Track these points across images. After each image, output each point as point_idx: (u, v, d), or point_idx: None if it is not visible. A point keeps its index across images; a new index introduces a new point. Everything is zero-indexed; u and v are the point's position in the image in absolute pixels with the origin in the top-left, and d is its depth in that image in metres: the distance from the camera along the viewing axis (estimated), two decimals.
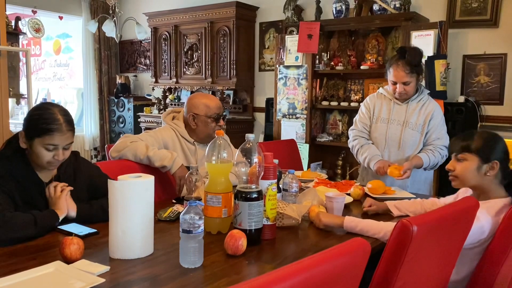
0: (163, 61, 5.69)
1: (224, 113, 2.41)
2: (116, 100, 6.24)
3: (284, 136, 4.40)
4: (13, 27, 4.72)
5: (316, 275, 0.86)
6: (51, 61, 7.71)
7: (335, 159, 4.36)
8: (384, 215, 1.93)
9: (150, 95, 6.18)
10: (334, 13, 4.27)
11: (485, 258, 1.60)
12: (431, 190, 2.68)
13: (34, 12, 5.79)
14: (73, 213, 1.65)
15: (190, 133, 2.37)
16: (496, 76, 3.76)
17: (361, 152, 2.58)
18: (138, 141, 2.22)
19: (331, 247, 0.95)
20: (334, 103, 4.27)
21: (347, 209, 1.99)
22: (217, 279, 1.22)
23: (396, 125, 2.54)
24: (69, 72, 7.43)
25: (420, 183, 2.56)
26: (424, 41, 3.49)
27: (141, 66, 6.41)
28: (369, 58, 4.08)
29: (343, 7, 4.22)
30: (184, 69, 5.53)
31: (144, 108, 5.91)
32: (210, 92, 5.39)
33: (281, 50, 4.41)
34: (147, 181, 1.39)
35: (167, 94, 5.84)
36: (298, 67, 4.32)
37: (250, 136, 1.57)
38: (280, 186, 1.87)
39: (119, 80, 6.23)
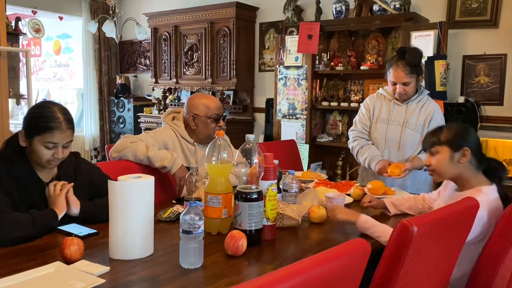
0: (163, 61, 5.69)
1: (224, 114, 2.41)
2: (116, 100, 6.24)
3: (284, 136, 4.40)
4: (13, 27, 4.71)
5: (317, 276, 0.86)
6: (51, 62, 7.70)
7: (335, 160, 4.37)
8: (381, 214, 1.94)
9: (150, 96, 6.18)
10: (334, 13, 4.27)
11: (484, 258, 1.60)
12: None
13: (34, 13, 5.79)
14: (76, 210, 1.65)
15: (190, 134, 2.37)
16: (496, 77, 3.76)
17: (361, 153, 2.58)
18: (138, 141, 2.22)
19: (331, 248, 0.95)
20: (334, 104, 4.27)
21: None
22: (217, 280, 1.22)
23: (396, 126, 2.54)
24: (69, 73, 7.43)
25: (420, 183, 2.56)
26: (424, 42, 3.49)
27: (141, 66, 6.41)
28: (369, 58, 4.08)
29: (343, 7, 4.22)
30: (184, 70, 5.53)
31: (144, 108, 5.91)
32: (210, 92, 5.39)
33: (281, 50, 4.41)
34: (147, 182, 1.39)
35: (167, 94, 5.84)
36: (298, 67, 4.32)
37: (250, 137, 1.57)
38: (280, 186, 1.87)
39: (119, 81, 6.23)
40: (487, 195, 1.64)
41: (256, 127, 5.31)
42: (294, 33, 4.54)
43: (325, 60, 4.29)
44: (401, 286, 1.25)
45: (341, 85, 4.38)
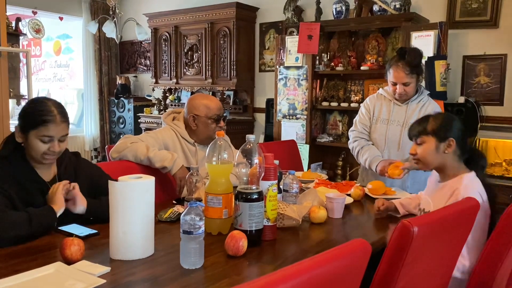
0: (163, 61, 5.69)
1: (224, 114, 2.41)
2: (116, 100, 6.24)
3: (284, 136, 4.40)
4: (14, 28, 4.71)
5: (317, 276, 0.86)
6: (51, 62, 7.71)
7: (335, 160, 4.37)
8: (388, 216, 1.94)
9: (150, 96, 6.18)
10: (334, 13, 4.27)
11: (484, 258, 1.60)
12: None
13: (35, 13, 5.79)
14: (82, 207, 1.65)
15: (190, 134, 2.37)
16: (496, 77, 3.76)
17: (362, 153, 2.57)
18: (139, 142, 2.22)
19: (332, 248, 0.95)
20: (334, 104, 4.27)
21: (348, 210, 2.00)
22: (218, 280, 1.22)
23: (396, 126, 2.54)
24: (69, 73, 7.43)
25: (420, 183, 2.55)
26: (424, 42, 3.49)
27: (141, 66, 6.42)
28: (369, 58, 4.08)
29: (343, 7, 4.22)
30: (184, 70, 5.53)
31: (144, 108, 5.91)
32: (210, 92, 5.39)
33: (281, 50, 4.41)
34: (148, 182, 1.39)
35: (167, 94, 5.84)
36: (298, 67, 4.32)
37: (250, 137, 1.57)
38: (281, 187, 1.87)
39: (119, 81, 6.23)
40: (471, 180, 1.71)
41: (257, 127, 5.31)
42: (294, 33, 4.54)
43: (325, 60, 4.29)
44: (401, 286, 1.25)
45: (341, 85, 4.38)
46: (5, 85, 3.45)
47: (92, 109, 6.45)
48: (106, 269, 1.26)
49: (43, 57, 7.81)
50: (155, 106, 5.86)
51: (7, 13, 3.86)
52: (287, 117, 4.42)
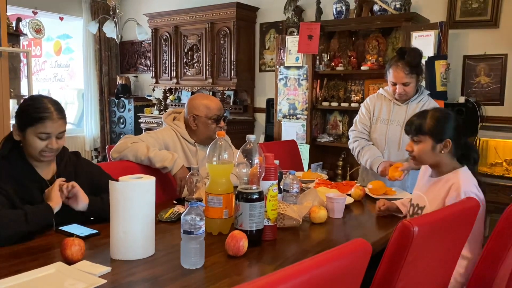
0: (164, 61, 5.69)
1: (224, 114, 2.41)
2: (116, 100, 6.25)
3: (285, 136, 4.41)
4: (14, 28, 4.72)
5: (317, 276, 0.86)
6: (51, 62, 7.71)
7: (335, 160, 4.37)
8: (391, 216, 1.94)
9: (150, 96, 6.19)
10: (335, 13, 4.27)
11: (484, 258, 1.60)
12: None
13: (35, 13, 5.80)
14: (84, 205, 1.65)
15: (190, 134, 2.37)
16: (496, 77, 3.76)
17: (362, 154, 2.57)
18: (139, 142, 2.22)
19: (332, 248, 0.95)
20: (334, 104, 4.28)
21: (348, 210, 2.00)
22: (218, 280, 1.23)
23: (396, 126, 2.54)
24: (70, 73, 7.43)
25: None
26: (424, 42, 3.50)
27: (142, 66, 6.42)
28: (370, 58, 4.08)
29: (344, 7, 4.22)
30: (185, 70, 5.53)
31: (145, 108, 5.92)
32: (211, 92, 5.39)
33: (282, 50, 4.41)
34: (148, 182, 1.40)
35: (167, 94, 5.84)
36: (298, 67, 4.32)
37: (251, 137, 1.57)
38: (281, 187, 1.87)
39: (119, 81, 6.23)
40: (466, 174, 1.73)
41: (257, 127, 5.31)
42: (295, 33, 4.54)
43: (325, 60, 4.29)
44: (402, 286, 1.25)
45: (341, 85, 4.38)
46: (5, 85, 3.45)
47: (92, 109, 6.45)
48: (106, 269, 1.26)
49: (43, 57, 7.81)
50: (156, 106, 5.86)
51: (8, 13, 3.86)
52: (288, 117, 4.42)
